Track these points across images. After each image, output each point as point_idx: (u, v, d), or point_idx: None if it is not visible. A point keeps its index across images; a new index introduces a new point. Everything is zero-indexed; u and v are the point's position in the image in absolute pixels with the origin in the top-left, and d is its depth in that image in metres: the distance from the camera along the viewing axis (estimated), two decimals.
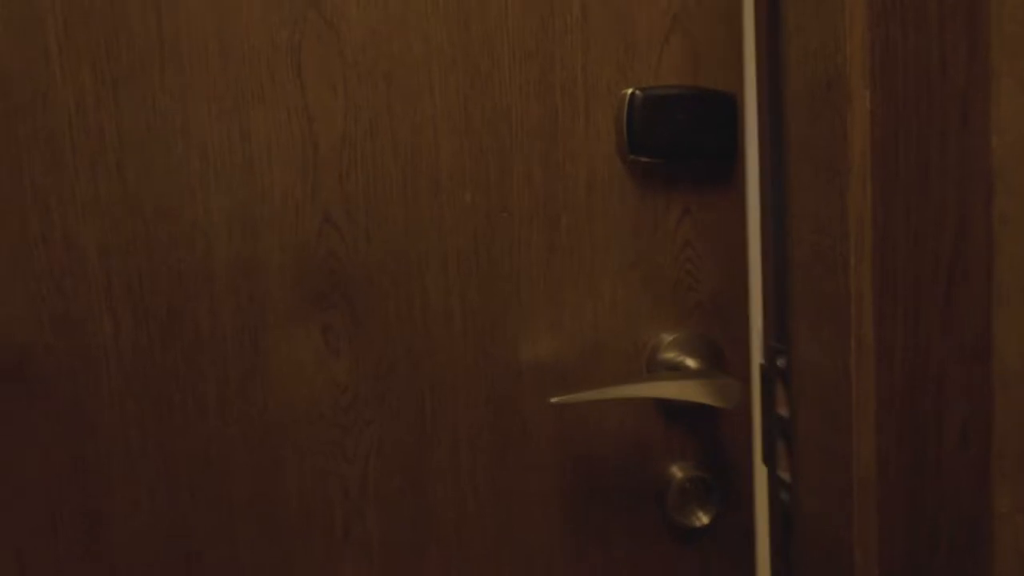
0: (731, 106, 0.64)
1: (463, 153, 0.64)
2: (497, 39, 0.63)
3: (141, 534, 0.66)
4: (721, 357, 0.66)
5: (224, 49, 0.63)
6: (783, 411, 0.60)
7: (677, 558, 0.68)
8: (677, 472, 0.67)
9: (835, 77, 0.49)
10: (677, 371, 0.64)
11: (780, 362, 0.60)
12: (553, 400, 0.57)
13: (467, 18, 0.63)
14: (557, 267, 0.65)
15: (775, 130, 0.59)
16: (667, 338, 0.66)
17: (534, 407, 0.66)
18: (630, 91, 0.62)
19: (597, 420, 0.66)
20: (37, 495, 0.66)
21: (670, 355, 0.66)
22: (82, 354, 0.64)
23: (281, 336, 0.65)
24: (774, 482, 0.63)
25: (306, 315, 0.65)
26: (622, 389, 0.61)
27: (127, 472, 0.66)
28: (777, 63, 0.58)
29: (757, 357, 0.66)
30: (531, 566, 0.68)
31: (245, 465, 0.66)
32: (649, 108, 0.62)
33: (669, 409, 0.67)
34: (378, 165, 0.64)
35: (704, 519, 0.66)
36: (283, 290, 0.65)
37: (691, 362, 0.65)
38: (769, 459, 0.63)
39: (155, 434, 0.66)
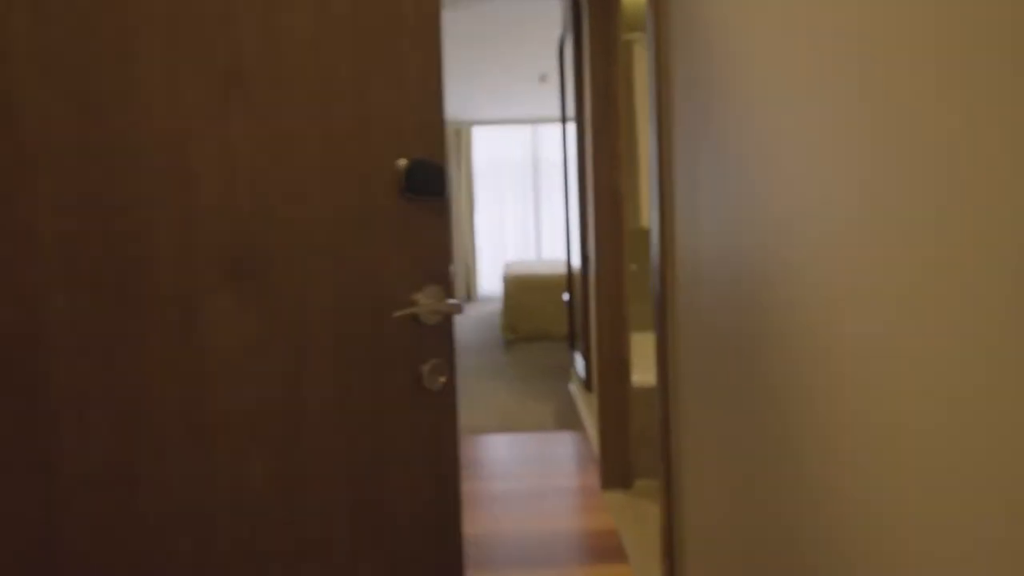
0: (442, 169, 1.28)
1: (326, 186, 1.12)
2: (341, 130, 1.14)
3: (91, 454, 0.92)
4: (447, 296, 1.30)
5: (172, 96, 0.97)
6: None
7: (428, 401, 1.29)
8: (425, 362, 1.27)
9: None
10: (428, 302, 1.25)
11: None
12: (395, 314, 1.12)
13: (328, 114, 1.12)
14: (370, 249, 1.19)
15: None
16: (421, 291, 1.26)
17: (363, 327, 1.17)
18: (404, 160, 1.21)
19: (393, 333, 1.22)
20: (5, 430, 0.86)
21: (425, 299, 1.26)
22: (37, 322, 0.88)
23: (208, 299, 1.01)
24: None
25: (226, 284, 1.03)
26: (410, 310, 1.19)
27: (76, 415, 0.92)
28: None
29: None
30: (369, 402, 1.18)
31: (178, 394, 0.99)
32: (412, 169, 1.22)
33: (423, 326, 1.27)
34: (275, 183, 1.07)
35: (442, 381, 1.28)
36: (210, 267, 1.01)
37: (432, 300, 1.26)
38: None
39: (103, 381, 0.93)
